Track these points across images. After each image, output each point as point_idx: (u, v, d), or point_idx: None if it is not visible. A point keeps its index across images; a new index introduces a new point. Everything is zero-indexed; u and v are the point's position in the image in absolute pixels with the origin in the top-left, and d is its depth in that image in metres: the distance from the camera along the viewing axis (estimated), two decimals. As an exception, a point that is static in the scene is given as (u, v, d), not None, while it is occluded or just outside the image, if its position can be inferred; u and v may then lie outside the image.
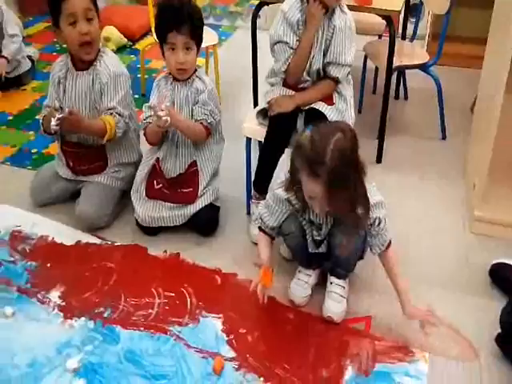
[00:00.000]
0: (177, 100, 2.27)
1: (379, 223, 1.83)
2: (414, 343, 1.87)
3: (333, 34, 2.19)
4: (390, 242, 1.89)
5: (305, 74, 2.25)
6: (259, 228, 2.01)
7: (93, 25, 2.23)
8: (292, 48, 2.20)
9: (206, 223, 2.34)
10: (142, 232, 2.34)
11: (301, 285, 2.03)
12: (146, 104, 2.32)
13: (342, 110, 2.26)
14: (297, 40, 2.19)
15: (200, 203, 2.31)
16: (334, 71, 2.22)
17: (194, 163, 2.32)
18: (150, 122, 2.24)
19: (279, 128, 2.21)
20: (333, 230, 1.88)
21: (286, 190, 1.85)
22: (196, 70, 2.30)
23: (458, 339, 1.88)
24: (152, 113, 2.22)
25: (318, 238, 1.94)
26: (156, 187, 2.33)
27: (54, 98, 2.34)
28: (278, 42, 2.22)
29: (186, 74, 2.25)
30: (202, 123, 2.25)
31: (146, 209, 2.30)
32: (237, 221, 2.44)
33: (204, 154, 2.33)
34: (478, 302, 2.02)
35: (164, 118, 2.08)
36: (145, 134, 2.31)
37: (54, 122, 2.12)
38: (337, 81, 2.25)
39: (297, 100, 2.22)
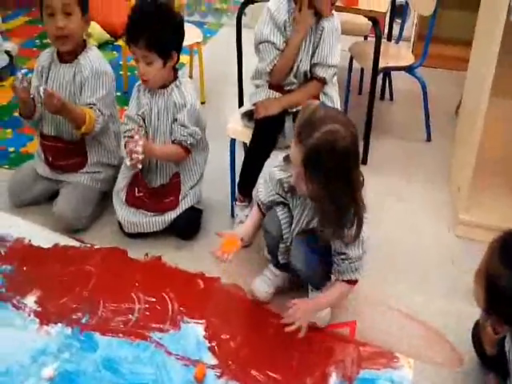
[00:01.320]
0: (155, 109, 2.20)
1: (343, 260, 1.77)
2: (398, 349, 1.85)
3: (321, 36, 2.16)
4: (354, 282, 1.81)
5: (291, 76, 2.22)
6: (256, 203, 1.99)
7: (71, 20, 2.17)
8: (278, 49, 2.16)
9: (186, 227, 2.29)
10: (122, 234, 2.29)
11: (264, 280, 2.02)
12: (126, 113, 2.26)
13: None
14: (283, 41, 2.16)
15: (181, 207, 2.26)
16: (320, 72, 2.20)
17: (177, 174, 2.27)
18: (130, 136, 2.14)
19: (265, 131, 2.17)
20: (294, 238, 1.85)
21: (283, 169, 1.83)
22: (177, 78, 2.21)
23: (442, 345, 1.87)
24: (132, 126, 2.18)
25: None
26: (137, 195, 2.27)
27: (35, 86, 2.26)
28: (264, 42, 2.17)
29: (149, 84, 2.17)
30: (181, 144, 2.19)
31: (126, 213, 2.24)
32: (221, 223, 2.39)
33: (187, 166, 2.28)
34: (462, 306, 2.00)
35: (136, 161, 2.03)
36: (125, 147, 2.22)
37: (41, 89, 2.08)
38: (323, 81, 2.22)
39: (283, 103, 2.19)
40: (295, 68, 2.20)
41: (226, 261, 1.85)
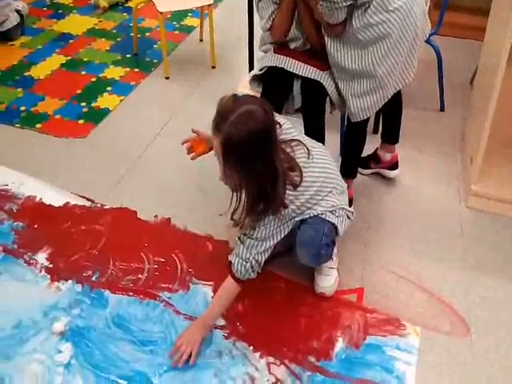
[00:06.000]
0: None
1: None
2: (405, 316, 1.86)
3: None
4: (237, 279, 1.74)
5: (296, 29, 2.16)
6: None
7: None
8: (276, 3, 2.10)
9: None
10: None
11: None
12: None
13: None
14: None
15: None
16: None
17: None
18: None
19: (273, 95, 2.14)
20: None
21: None
22: None
23: (449, 314, 1.87)
24: None
25: None
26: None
27: None
28: None
29: None
30: None
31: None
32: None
33: None
34: (470, 276, 2.01)
35: None
36: None
37: None
38: None
39: None
40: (297, 16, 2.11)
41: (192, 158, 1.90)
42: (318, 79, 2.11)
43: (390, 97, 2.05)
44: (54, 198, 2.27)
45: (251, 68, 2.90)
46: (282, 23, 2.13)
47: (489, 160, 2.27)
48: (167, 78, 3.20)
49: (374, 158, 2.47)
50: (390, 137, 2.44)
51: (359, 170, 2.40)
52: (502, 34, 2.08)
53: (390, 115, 2.39)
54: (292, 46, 2.20)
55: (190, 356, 1.69)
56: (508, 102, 2.27)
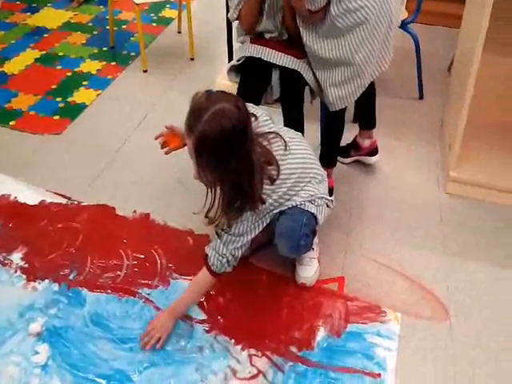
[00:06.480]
0: None
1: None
2: (386, 303, 1.86)
3: None
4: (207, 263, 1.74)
5: (268, 23, 2.12)
6: None
7: None
8: None
9: None
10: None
11: None
12: None
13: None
14: None
15: None
16: None
17: None
18: None
19: (251, 85, 2.12)
20: None
21: None
22: None
23: (429, 300, 1.88)
24: None
25: None
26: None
27: None
28: None
29: None
30: None
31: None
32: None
33: None
34: (450, 261, 2.01)
35: None
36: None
37: None
38: None
39: None
40: (271, 11, 2.09)
41: (165, 152, 1.87)
42: (296, 68, 2.09)
43: (367, 85, 2.04)
44: (30, 196, 2.22)
45: (230, 59, 2.88)
46: (248, 13, 2.10)
47: (467, 146, 2.27)
48: (145, 71, 3.16)
49: (354, 145, 2.46)
50: (367, 122, 2.44)
51: (340, 159, 2.39)
52: (477, 19, 2.08)
53: (365, 102, 2.39)
54: (267, 36, 2.17)
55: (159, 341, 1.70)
56: (484, 88, 2.27)
